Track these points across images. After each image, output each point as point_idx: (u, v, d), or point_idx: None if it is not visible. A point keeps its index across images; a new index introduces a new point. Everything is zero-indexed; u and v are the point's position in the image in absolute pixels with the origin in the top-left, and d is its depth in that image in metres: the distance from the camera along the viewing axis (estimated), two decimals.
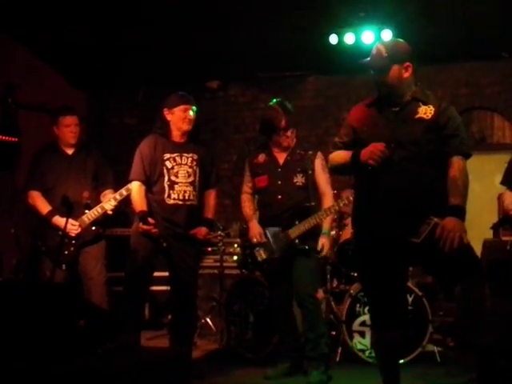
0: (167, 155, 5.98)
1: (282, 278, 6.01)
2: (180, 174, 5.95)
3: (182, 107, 5.93)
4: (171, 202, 5.92)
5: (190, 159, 6.01)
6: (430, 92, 4.49)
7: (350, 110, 4.73)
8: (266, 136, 6.14)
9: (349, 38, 8.07)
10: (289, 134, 5.98)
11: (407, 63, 4.36)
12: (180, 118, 5.93)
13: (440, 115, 4.31)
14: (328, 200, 5.98)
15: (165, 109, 5.97)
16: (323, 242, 5.91)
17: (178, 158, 5.98)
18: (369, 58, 4.39)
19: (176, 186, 5.93)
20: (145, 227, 5.79)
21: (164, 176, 5.94)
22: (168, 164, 5.95)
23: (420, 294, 6.30)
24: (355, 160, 4.34)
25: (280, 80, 9.45)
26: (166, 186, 5.93)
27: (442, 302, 6.49)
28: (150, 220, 5.81)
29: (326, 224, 5.99)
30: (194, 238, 5.98)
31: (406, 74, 4.35)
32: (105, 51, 8.57)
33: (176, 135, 5.99)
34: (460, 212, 4.15)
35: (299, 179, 5.96)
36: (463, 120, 4.41)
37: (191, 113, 5.94)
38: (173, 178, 5.93)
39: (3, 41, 8.30)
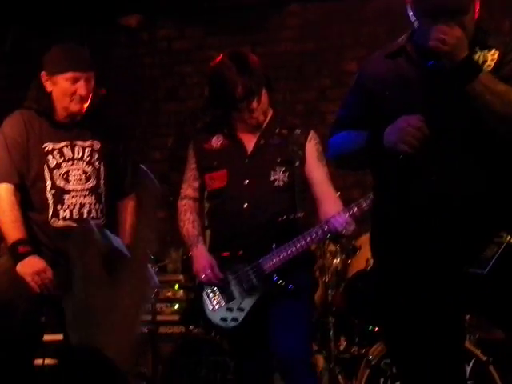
0: (49, 145, 4.71)
1: (254, 340, 4.70)
2: (72, 177, 4.71)
3: (69, 75, 4.66)
4: (60, 223, 4.63)
5: (87, 150, 4.77)
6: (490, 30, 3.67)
7: (359, 60, 4.23)
8: (220, 110, 4.91)
9: None
10: (254, 105, 4.66)
11: None
12: (66, 91, 4.68)
13: (506, 64, 3.45)
14: (329, 206, 4.70)
15: (43, 72, 4.70)
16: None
17: (66, 150, 4.72)
18: None
19: (66, 196, 4.67)
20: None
21: (45, 180, 4.65)
22: (51, 160, 4.69)
23: (484, 358, 5.09)
24: (375, 145, 3.53)
25: (242, 12, 7.58)
26: (49, 196, 4.64)
27: None
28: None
29: None
30: None
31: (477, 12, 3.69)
32: None
33: (61, 114, 4.75)
34: None
35: (279, 176, 4.74)
36: None
37: (85, 85, 4.67)
38: (60, 182, 4.65)
39: None
